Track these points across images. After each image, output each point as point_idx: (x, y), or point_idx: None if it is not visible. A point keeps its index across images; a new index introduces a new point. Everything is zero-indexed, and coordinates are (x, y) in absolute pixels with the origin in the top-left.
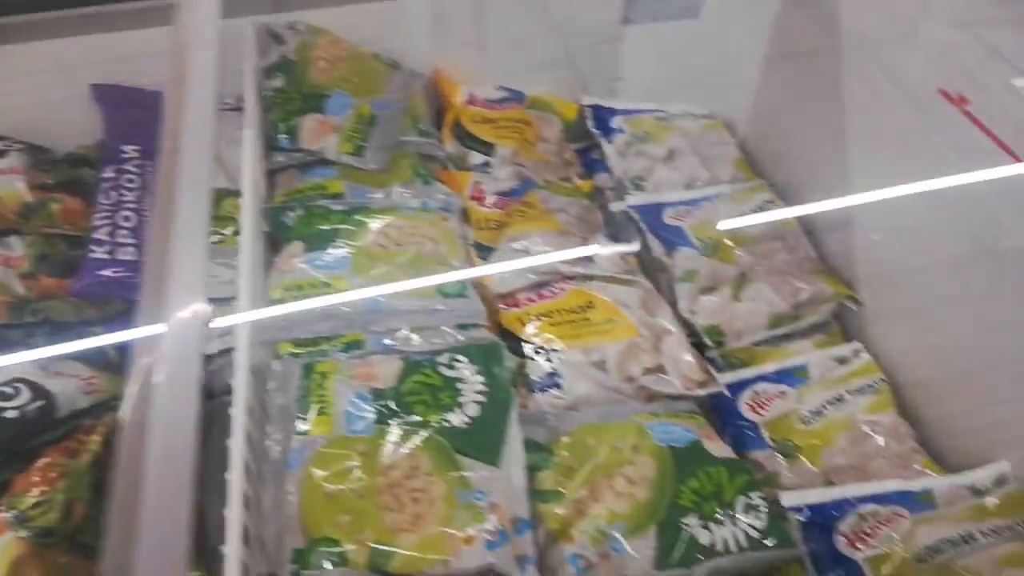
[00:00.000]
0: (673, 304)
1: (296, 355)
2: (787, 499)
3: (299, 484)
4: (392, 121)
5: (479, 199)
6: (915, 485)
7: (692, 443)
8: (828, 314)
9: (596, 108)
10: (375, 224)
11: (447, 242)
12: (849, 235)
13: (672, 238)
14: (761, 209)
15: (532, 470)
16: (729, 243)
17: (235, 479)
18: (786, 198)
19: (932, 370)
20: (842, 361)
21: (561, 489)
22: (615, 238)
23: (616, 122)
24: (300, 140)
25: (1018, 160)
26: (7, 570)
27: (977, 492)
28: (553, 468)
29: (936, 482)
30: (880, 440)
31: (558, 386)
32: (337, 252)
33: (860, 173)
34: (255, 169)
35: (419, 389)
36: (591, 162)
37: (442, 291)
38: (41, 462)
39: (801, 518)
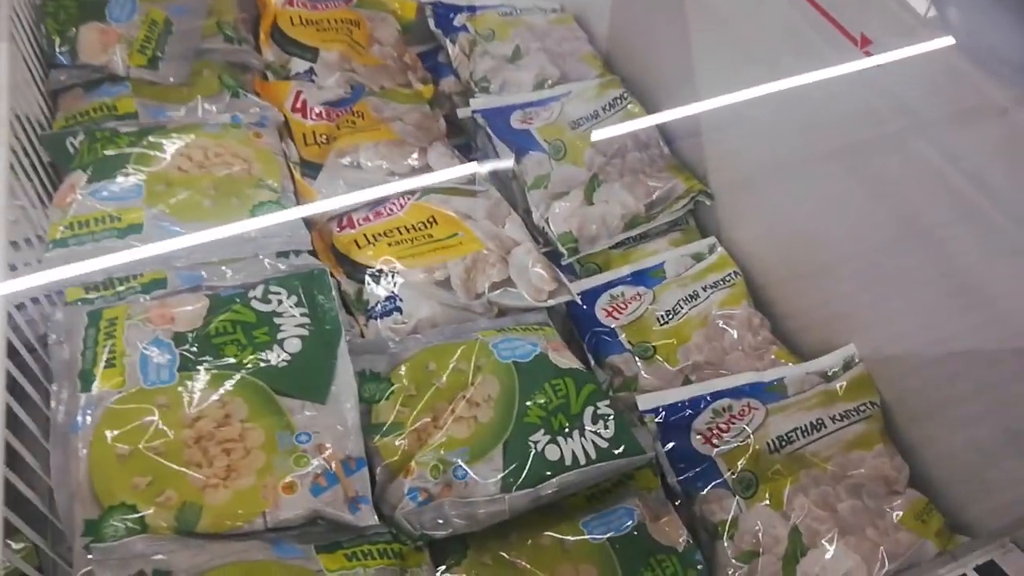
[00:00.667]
0: (527, 212)
1: (88, 301)
2: (643, 402)
3: (88, 447)
4: (191, 26)
5: (302, 111)
6: (767, 376)
7: (537, 356)
8: (683, 211)
9: (437, 5)
10: (173, 145)
11: (261, 161)
12: (700, 132)
13: (521, 143)
14: (612, 107)
15: (368, 402)
16: (579, 144)
17: None
18: (638, 95)
19: (783, 262)
20: (698, 257)
21: (400, 420)
22: (466, 146)
23: (459, 20)
24: (81, 54)
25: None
26: None
27: (827, 377)
28: (391, 398)
29: (788, 371)
30: (735, 333)
31: (399, 310)
32: (127, 180)
33: (711, 69)
34: (11, 92)
35: (229, 328)
36: (437, 66)
37: (254, 213)
38: None
39: (658, 420)
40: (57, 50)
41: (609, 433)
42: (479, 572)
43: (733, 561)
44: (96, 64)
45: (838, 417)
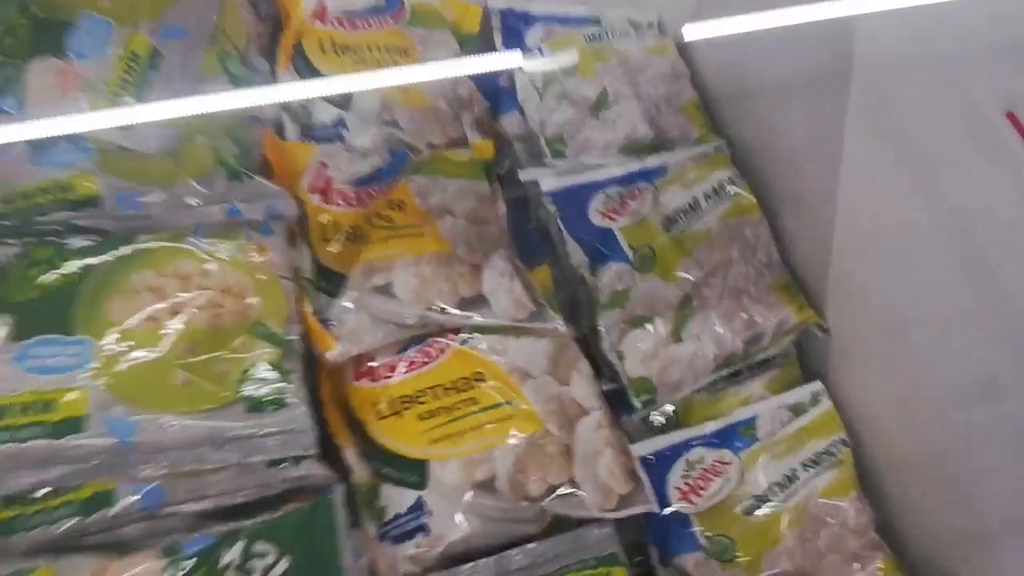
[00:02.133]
0: (594, 331)
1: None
2: None
3: None
4: (187, 59)
5: (324, 193)
6: None
7: None
8: (788, 345)
9: (507, 14)
10: (141, 278)
11: (263, 294)
12: (828, 242)
13: (599, 247)
14: (717, 194)
15: None
16: (673, 253)
17: None
18: (750, 170)
19: (912, 441)
20: (797, 410)
21: None
22: (522, 201)
23: (533, 36)
24: (28, 100)
25: None
26: None
27: None
28: None
29: None
30: (835, 531)
31: (424, 530)
32: (69, 340)
33: (860, 169)
34: None
35: None
36: (498, 93)
37: (246, 399)
38: None
39: None
40: None
41: None
42: None
43: None
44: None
45: None
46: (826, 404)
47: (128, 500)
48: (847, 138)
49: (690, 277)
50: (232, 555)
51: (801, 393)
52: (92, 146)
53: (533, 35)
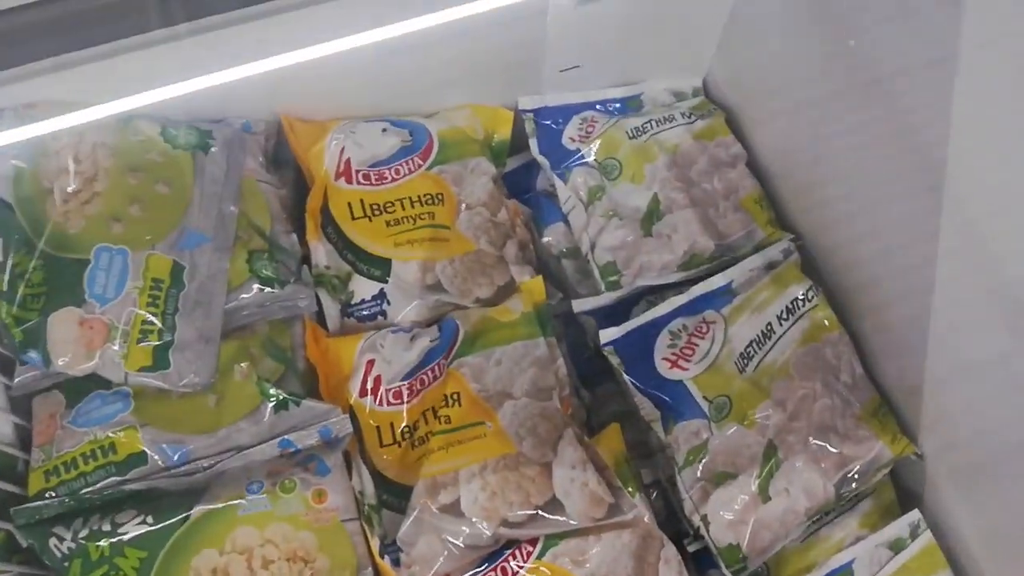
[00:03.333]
0: (673, 488)
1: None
2: None
3: None
4: (213, 272)
5: (375, 394)
6: None
7: None
8: (880, 480)
9: (540, 112)
10: (201, 560)
11: (329, 548)
12: (911, 337)
13: (671, 403)
14: (792, 313)
15: None
16: (751, 396)
17: None
18: (826, 271)
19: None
20: (897, 547)
21: None
22: (580, 366)
23: (571, 138)
24: (55, 358)
25: None
26: None
27: None
28: None
29: None
30: None
31: None
32: None
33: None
34: None
35: None
36: (537, 201)
37: None
38: None
39: None
40: (20, 351)
41: None
42: None
43: None
44: (76, 375)
45: None
46: (926, 537)
47: None
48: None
49: (771, 422)
50: None
51: (899, 527)
52: (128, 390)
53: (570, 135)
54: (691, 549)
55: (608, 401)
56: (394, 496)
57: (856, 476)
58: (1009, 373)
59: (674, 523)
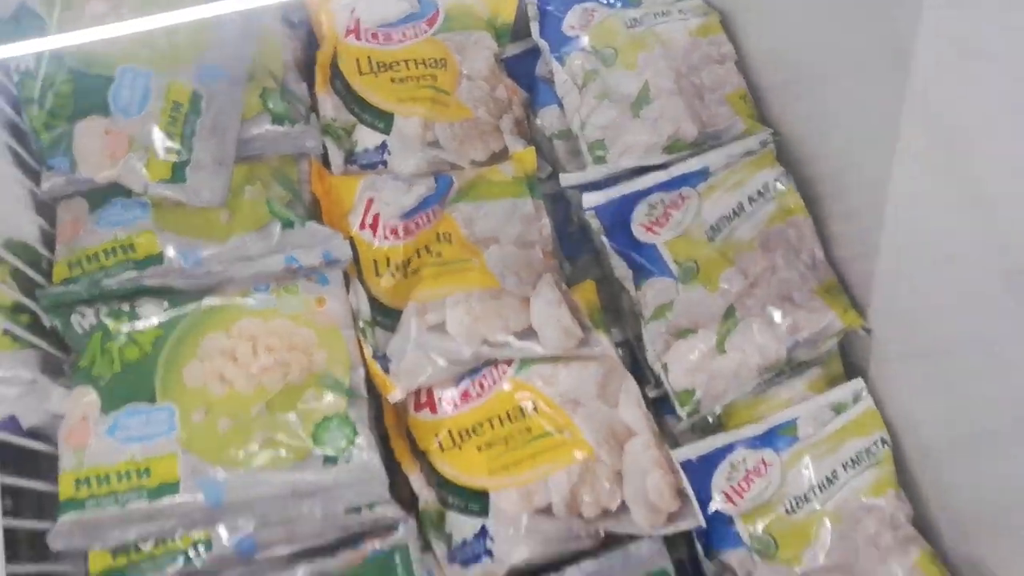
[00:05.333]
0: (639, 340)
1: (117, 572)
2: None
3: None
4: (228, 101)
5: (373, 228)
6: None
7: None
8: (830, 348)
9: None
10: (210, 340)
11: (326, 345)
12: (874, 237)
13: (644, 262)
14: (763, 195)
15: None
16: (716, 263)
17: None
18: (799, 162)
19: (947, 429)
20: (839, 408)
21: None
22: (563, 239)
23: (572, 22)
24: (80, 163)
25: None
26: None
27: None
28: None
29: None
30: (872, 528)
31: (489, 554)
32: (154, 408)
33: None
34: None
35: None
36: (535, 84)
37: (323, 442)
38: None
39: None
40: (47, 156)
41: None
42: None
43: None
44: (99, 181)
45: None
46: (867, 402)
47: (225, 549)
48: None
49: (733, 288)
50: None
51: (843, 392)
52: (147, 201)
53: (572, 18)
54: (651, 395)
55: (585, 271)
56: (387, 318)
57: (806, 341)
58: (958, 266)
59: (639, 380)
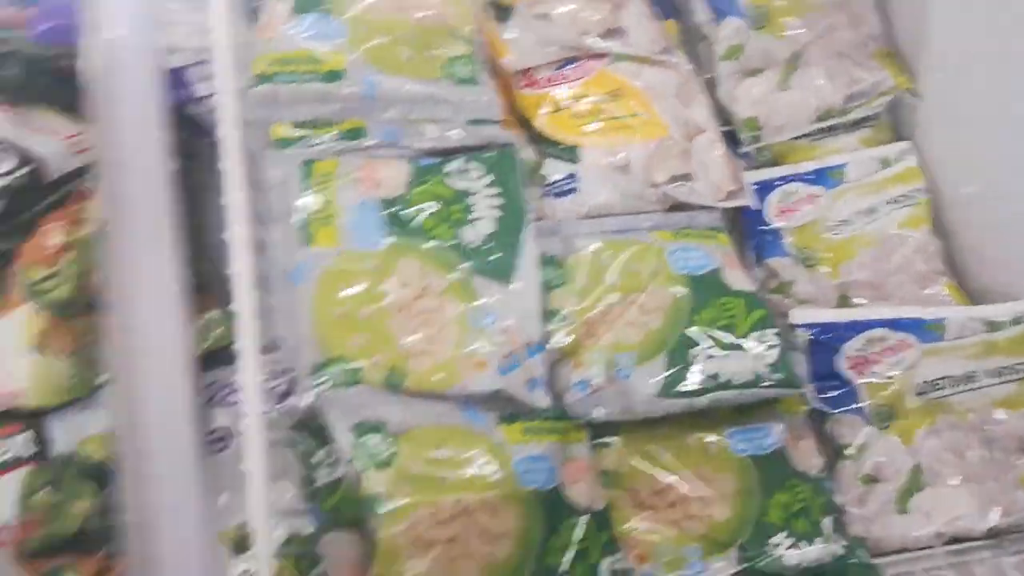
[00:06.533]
0: (712, 82)
1: (291, 141)
2: (799, 315)
3: (310, 302)
4: None
5: None
6: (928, 314)
7: (711, 272)
8: (882, 106)
9: None
10: None
11: (453, 4)
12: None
13: (721, 4)
14: None
15: (545, 288)
16: (785, 12)
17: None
18: None
19: (980, 187)
20: (885, 163)
21: (572, 309)
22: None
23: None
24: None
25: None
26: (33, 341)
27: (991, 327)
28: (566, 287)
29: (951, 312)
30: (905, 256)
31: (575, 191)
32: (330, 16)
33: None
34: None
35: (427, 200)
36: None
37: (450, 74)
38: (45, 230)
39: (810, 335)
40: None
41: (771, 360)
42: (627, 452)
43: (853, 482)
44: None
45: (993, 372)
46: (911, 159)
47: (375, 136)
48: None
49: (800, 36)
50: (453, 166)
51: (890, 149)
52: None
53: None
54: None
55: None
56: (501, 13)
57: (860, 93)
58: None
59: None
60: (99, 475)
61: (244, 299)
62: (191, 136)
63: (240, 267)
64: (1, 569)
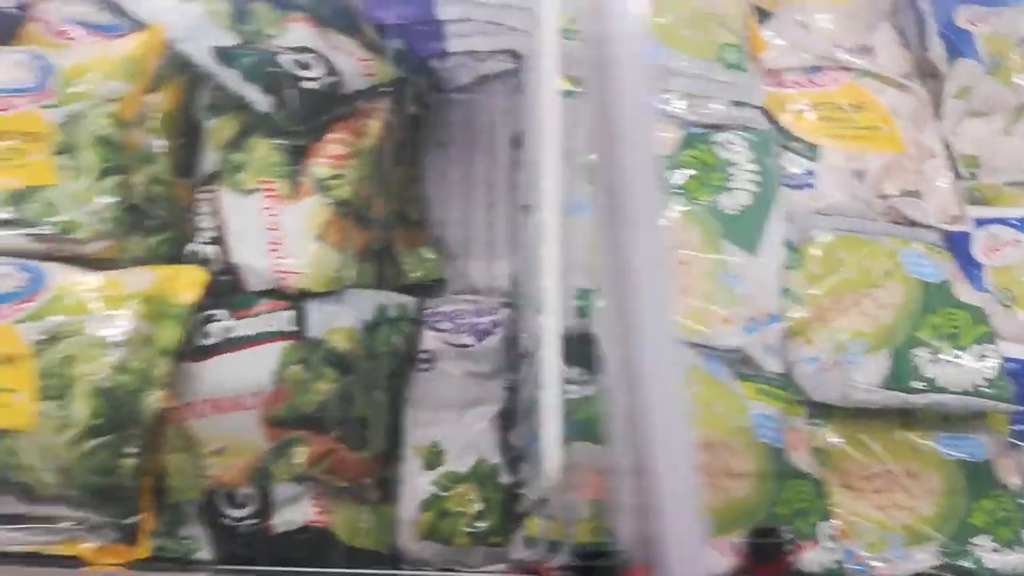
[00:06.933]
0: (937, 116)
1: None
2: (1007, 349)
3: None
4: None
5: None
6: None
7: (943, 282)
8: None
9: None
10: None
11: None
12: None
13: (958, 44)
14: None
15: (782, 267)
16: (1018, 64)
17: None
18: None
19: None
20: None
21: (806, 292)
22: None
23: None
24: None
25: None
26: (318, 231)
27: None
28: (801, 270)
29: None
30: None
31: (811, 186)
32: None
33: None
34: None
35: (693, 163)
36: None
37: (723, 59)
38: (332, 136)
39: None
40: None
41: (989, 375)
42: (836, 435)
43: None
44: None
45: None
46: None
47: None
48: None
49: None
50: (721, 137)
51: None
52: None
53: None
54: None
55: None
56: (762, 16)
57: None
58: None
59: None
60: (340, 364)
61: (551, 244)
62: (431, 87)
63: (548, 211)
64: (244, 429)
